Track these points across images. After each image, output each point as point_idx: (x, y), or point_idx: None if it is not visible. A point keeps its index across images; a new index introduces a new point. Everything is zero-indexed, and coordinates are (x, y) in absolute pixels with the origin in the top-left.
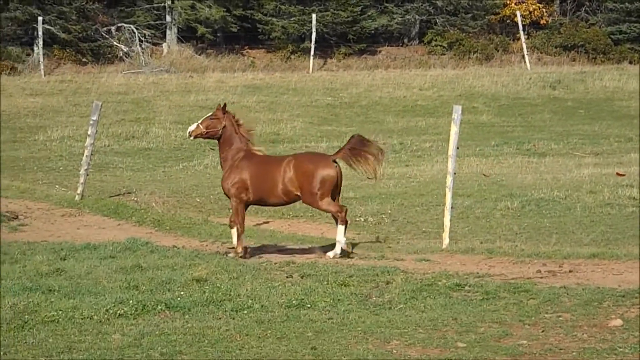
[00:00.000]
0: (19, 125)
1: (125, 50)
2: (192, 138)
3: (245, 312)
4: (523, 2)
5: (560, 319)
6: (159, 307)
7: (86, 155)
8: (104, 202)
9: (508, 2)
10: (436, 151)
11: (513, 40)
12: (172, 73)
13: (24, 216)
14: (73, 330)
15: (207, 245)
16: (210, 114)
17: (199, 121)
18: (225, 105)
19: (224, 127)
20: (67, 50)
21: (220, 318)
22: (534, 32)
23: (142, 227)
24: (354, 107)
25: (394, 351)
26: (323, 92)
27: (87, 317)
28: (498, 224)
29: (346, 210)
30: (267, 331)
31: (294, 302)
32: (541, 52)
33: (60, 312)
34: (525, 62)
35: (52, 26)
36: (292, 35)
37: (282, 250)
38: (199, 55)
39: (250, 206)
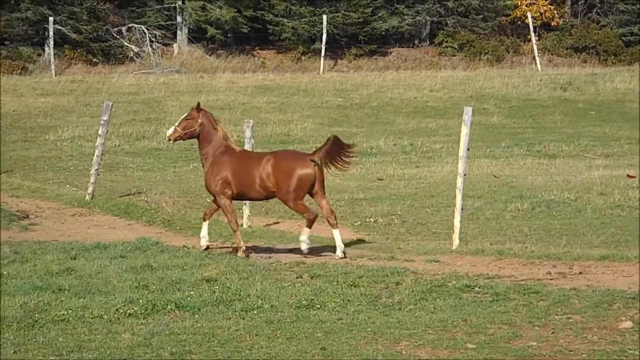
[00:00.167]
0: (30, 125)
1: (135, 50)
2: (172, 141)
3: (255, 312)
4: (534, 4)
5: (570, 320)
6: (169, 307)
7: (97, 155)
8: (115, 201)
9: (519, 3)
10: (446, 152)
11: (524, 41)
12: (183, 73)
13: (34, 215)
14: (83, 330)
15: (216, 246)
16: (185, 114)
17: (176, 124)
18: (199, 104)
19: (201, 124)
20: (78, 50)
21: (230, 318)
22: (545, 33)
23: (152, 227)
24: (364, 108)
25: (404, 352)
26: (334, 93)
27: (97, 317)
28: (508, 225)
29: (335, 215)
30: (276, 331)
31: (303, 302)
32: (552, 54)
33: (71, 311)
34: (536, 63)
35: (63, 26)
36: (303, 36)
37: (270, 250)
38: (210, 55)
39: (259, 207)
